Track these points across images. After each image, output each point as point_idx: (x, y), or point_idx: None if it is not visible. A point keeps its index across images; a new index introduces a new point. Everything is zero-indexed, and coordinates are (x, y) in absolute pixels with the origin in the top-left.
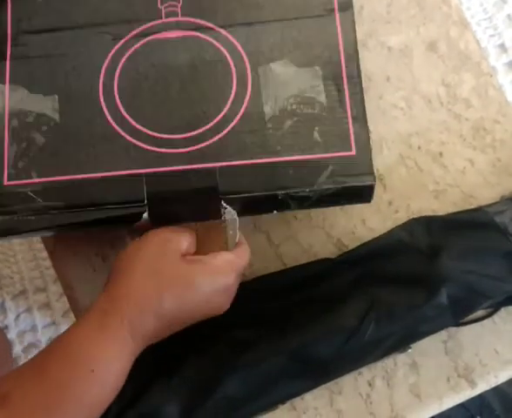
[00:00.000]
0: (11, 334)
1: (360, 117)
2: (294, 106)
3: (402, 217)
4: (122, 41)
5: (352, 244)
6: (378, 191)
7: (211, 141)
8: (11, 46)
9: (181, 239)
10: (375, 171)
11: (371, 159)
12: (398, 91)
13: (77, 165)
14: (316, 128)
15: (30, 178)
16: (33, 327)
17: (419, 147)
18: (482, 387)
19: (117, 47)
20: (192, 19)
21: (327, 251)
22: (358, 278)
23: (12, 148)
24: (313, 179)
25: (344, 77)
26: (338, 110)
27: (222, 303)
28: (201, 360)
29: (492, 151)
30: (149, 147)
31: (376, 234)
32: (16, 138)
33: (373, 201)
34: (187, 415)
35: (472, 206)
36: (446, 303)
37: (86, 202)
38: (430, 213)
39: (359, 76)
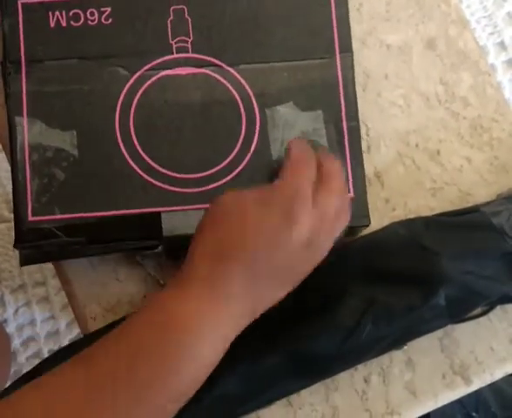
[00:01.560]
0: (10, 328)
1: (358, 161)
2: None
3: (399, 215)
4: (135, 76)
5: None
6: (375, 188)
7: (223, 181)
8: (26, 74)
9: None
10: (373, 168)
11: (367, 201)
12: (396, 89)
13: (97, 203)
14: None
15: (54, 213)
16: (32, 321)
17: (416, 145)
18: (478, 384)
19: (131, 82)
20: (202, 56)
21: None
22: (356, 274)
23: (34, 183)
24: None
25: (343, 121)
26: (338, 153)
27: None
28: None
29: (489, 150)
30: (165, 186)
31: None
32: (38, 172)
33: (370, 199)
34: (184, 413)
35: (469, 204)
36: (443, 304)
37: (107, 238)
38: (427, 211)
39: (357, 119)
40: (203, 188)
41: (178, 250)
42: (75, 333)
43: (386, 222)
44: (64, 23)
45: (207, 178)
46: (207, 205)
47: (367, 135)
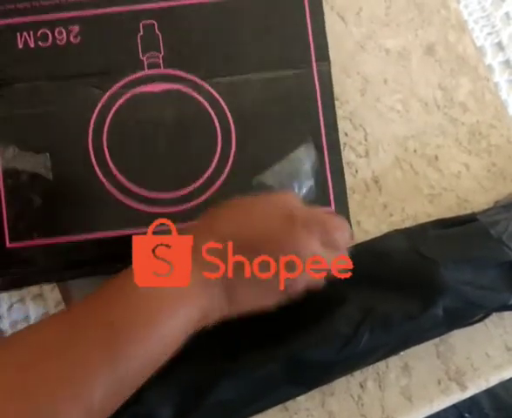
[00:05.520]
0: (4, 324)
1: (339, 172)
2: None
3: (397, 220)
4: (107, 94)
5: None
6: (373, 193)
7: (198, 200)
8: None
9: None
10: (371, 173)
11: (348, 213)
12: (395, 94)
13: (73, 226)
14: (297, 184)
15: (31, 239)
16: (26, 317)
17: (415, 150)
18: (473, 390)
19: (103, 101)
20: (174, 71)
21: None
22: (354, 282)
23: (10, 209)
24: None
25: (322, 132)
26: (317, 165)
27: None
28: (195, 364)
29: (487, 156)
30: (141, 207)
31: (371, 237)
32: (13, 198)
33: (368, 203)
34: None
35: (466, 211)
36: (441, 314)
37: (84, 261)
38: (425, 217)
39: (336, 129)
40: (179, 207)
41: None
42: None
43: (383, 228)
44: (32, 44)
45: (184, 196)
46: (183, 225)
47: (366, 140)
